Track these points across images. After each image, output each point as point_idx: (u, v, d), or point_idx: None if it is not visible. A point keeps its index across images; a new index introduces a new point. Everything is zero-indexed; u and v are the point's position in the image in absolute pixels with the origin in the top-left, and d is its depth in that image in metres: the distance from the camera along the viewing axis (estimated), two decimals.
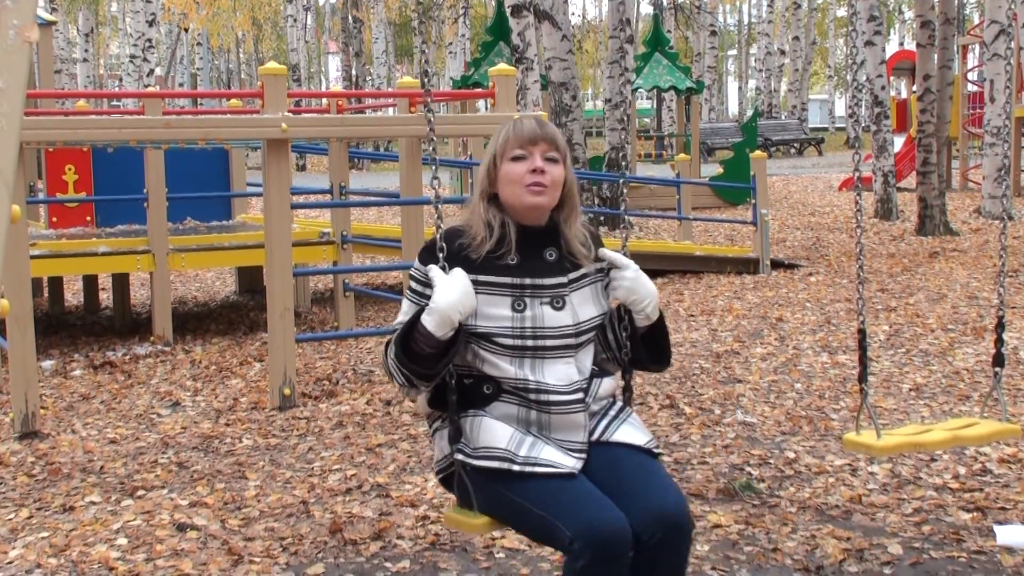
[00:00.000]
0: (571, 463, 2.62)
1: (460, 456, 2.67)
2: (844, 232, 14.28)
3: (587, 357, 2.77)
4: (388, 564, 3.79)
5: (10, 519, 4.36)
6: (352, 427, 5.61)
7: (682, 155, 15.39)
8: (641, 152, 25.66)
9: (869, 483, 4.53)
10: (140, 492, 4.66)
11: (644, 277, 2.79)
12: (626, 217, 3.12)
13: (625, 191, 3.12)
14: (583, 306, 2.75)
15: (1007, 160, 3.87)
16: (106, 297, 10.11)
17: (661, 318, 2.85)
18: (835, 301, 8.96)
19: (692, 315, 8.56)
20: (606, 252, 2.82)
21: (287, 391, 6.07)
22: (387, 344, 2.70)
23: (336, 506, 4.38)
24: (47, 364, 7.30)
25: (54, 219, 9.03)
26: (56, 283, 9.88)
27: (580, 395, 2.69)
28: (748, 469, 4.74)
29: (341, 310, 8.51)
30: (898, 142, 20.21)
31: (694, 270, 10.90)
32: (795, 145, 37.14)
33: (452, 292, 2.58)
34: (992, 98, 16.07)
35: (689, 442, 5.18)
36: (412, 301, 2.73)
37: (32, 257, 6.71)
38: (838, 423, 5.41)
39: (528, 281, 2.70)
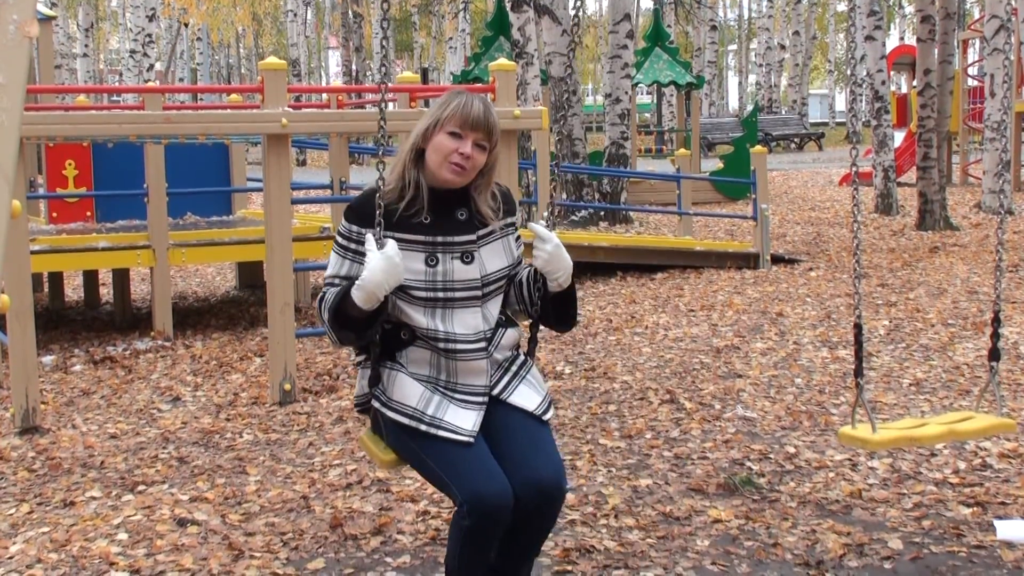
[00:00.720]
0: (470, 425, 2.89)
1: (376, 404, 2.98)
2: (844, 227, 14.28)
3: (494, 306, 3.02)
4: (388, 559, 3.80)
5: (11, 514, 4.36)
6: (352, 422, 5.61)
7: (682, 150, 15.37)
8: (641, 147, 25.63)
9: (869, 478, 4.54)
10: (141, 487, 4.66)
11: (562, 251, 2.99)
12: (553, 197, 3.29)
13: (557, 174, 3.43)
14: (491, 259, 3.00)
15: (1007, 155, 3.87)
16: (106, 292, 10.10)
17: (572, 287, 3.06)
18: (835, 296, 8.96)
19: (692, 310, 8.56)
20: (534, 226, 3.00)
21: (287, 386, 6.08)
22: (320, 300, 2.95)
23: (337, 501, 4.38)
24: (47, 359, 7.31)
25: (54, 214, 9.03)
26: (56, 278, 9.88)
27: (483, 343, 2.95)
28: (748, 464, 4.75)
29: None
30: (898, 137, 20.22)
31: (694, 265, 10.89)
32: (795, 140, 37.13)
33: (379, 271, 2.78)
34: (992, 93, 16.07)
35: (689, 437, 5.18)
36: (339, 255, 2.97)
37: (32, 252, 6.70)
38: (838, 418, 5.41)
39: (440, 239, 2.95)
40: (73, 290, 10.57)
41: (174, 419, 5.83)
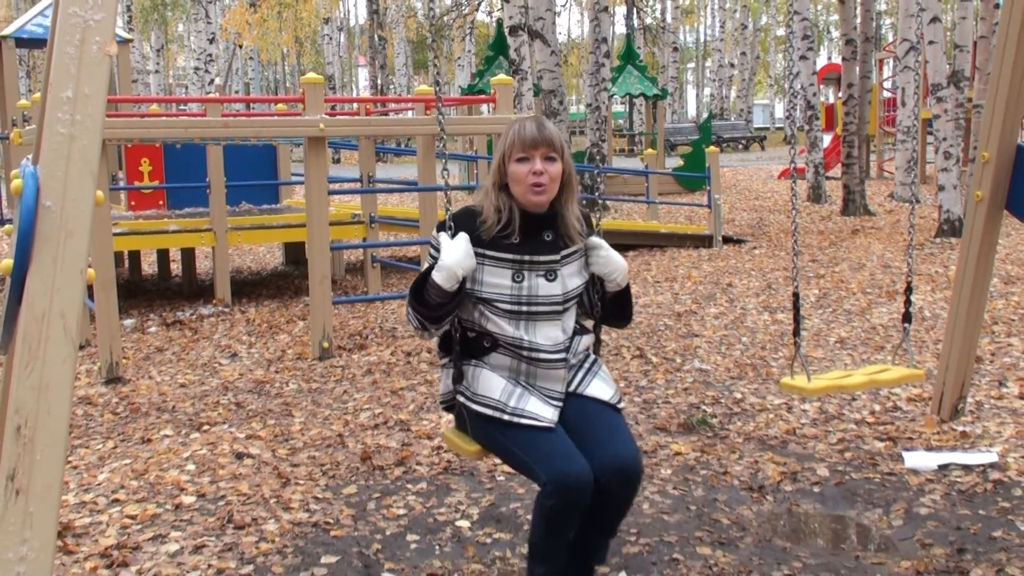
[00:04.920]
0: (550, 415, 2.65)
1: (461, 398, 2.73)
2: (782, 213, 14.25)
3: (570, 319, 2.77)
4: (409, 485, 3.80)
5: (99, 449, 4.37)
6: (379, 374, 5.61)
7: (649, 150, 15.30)
8: (616, 148, 25.56)
9: (802, 418, 4.54)
10: (205, 427, 4.67)
11: (615, 253, 2.79)
12: (602, 201, 3.08)
13: (601, 179, 3.10)
14: (571, 277, 2.75)
15: (915, 153, 3.86)
16: (176, 267, 10.08)
17: (627, 287, 2.84)
18: (775, 270, 8.94)
19: (658, 281, 8.55)
20: (589, 239, 2.79)
21: (325, 344, 6.07)
22: (408, 296, 2.73)
23: (366, 438, 4.38)
24: (128, 322, 7.30)
25: (132, 203, 8.99)
26: (135, 256, 9.86)
27: (563, 354, 2.71)
28: (703, 407, 4.75)
29: (369, 278, 8.50)
30: (826, 139, 20.15)
31: (659, 245, 10.88)
32: (742, 142, 36.96)
33: (455, 254, 2.58)
34: (903, 103, 16.00)
35: (655, 385, 5.18)
36: (431, 262, 2.71)
37: (114, 234, 6.68)
38: (777, 369, 5.42)
39: (527, 258, 2.69)
40: (149, 265, 10.54)
41: (232, 371, 5.82)
